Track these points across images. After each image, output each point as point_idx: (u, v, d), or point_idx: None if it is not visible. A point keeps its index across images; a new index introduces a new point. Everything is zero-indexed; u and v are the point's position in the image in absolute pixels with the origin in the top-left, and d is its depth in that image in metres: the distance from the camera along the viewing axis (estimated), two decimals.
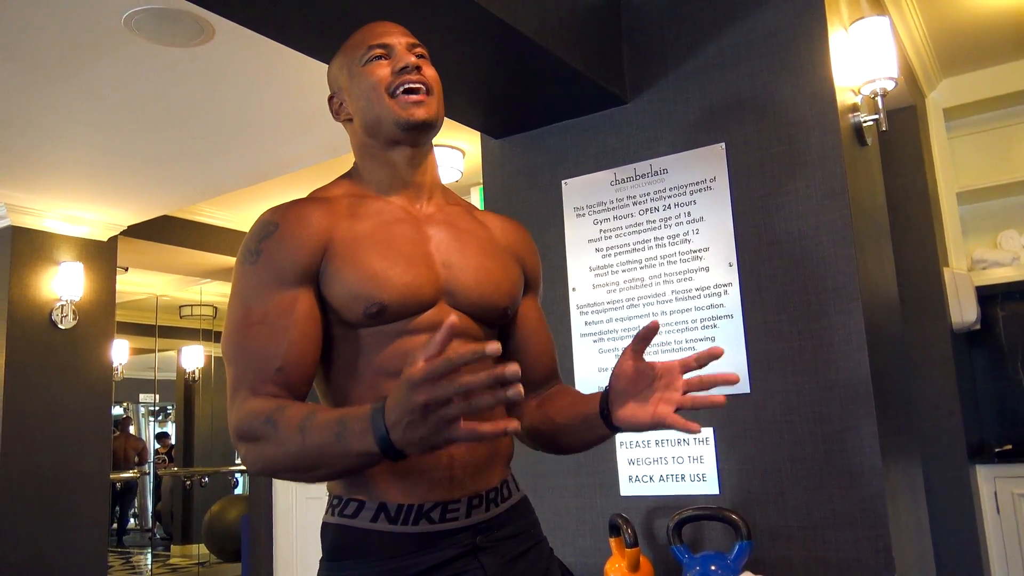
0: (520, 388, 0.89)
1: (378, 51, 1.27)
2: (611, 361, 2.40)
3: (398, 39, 1.28)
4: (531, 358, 1.38)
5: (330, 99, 1.36)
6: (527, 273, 1.41)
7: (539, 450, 1.39)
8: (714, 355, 1.14)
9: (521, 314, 1.39)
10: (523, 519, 1.30)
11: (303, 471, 1.06)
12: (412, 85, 1.24)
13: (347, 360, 1.20)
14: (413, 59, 1.25)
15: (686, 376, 1.16)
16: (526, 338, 1.39)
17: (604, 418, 1.21)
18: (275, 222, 1.19)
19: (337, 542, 1.17)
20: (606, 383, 1.23)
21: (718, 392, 1.15)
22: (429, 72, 1.28)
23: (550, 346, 1.44)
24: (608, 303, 2.44)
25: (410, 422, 0.91)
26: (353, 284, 1.16)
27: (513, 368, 0.87)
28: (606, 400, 1.21)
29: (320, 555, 1.20)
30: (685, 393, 1.15)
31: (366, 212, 1.25)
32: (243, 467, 7.81)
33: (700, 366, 1.14)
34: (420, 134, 1.26)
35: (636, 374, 1.16)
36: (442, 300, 1.23)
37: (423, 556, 1.14)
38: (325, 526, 1.20)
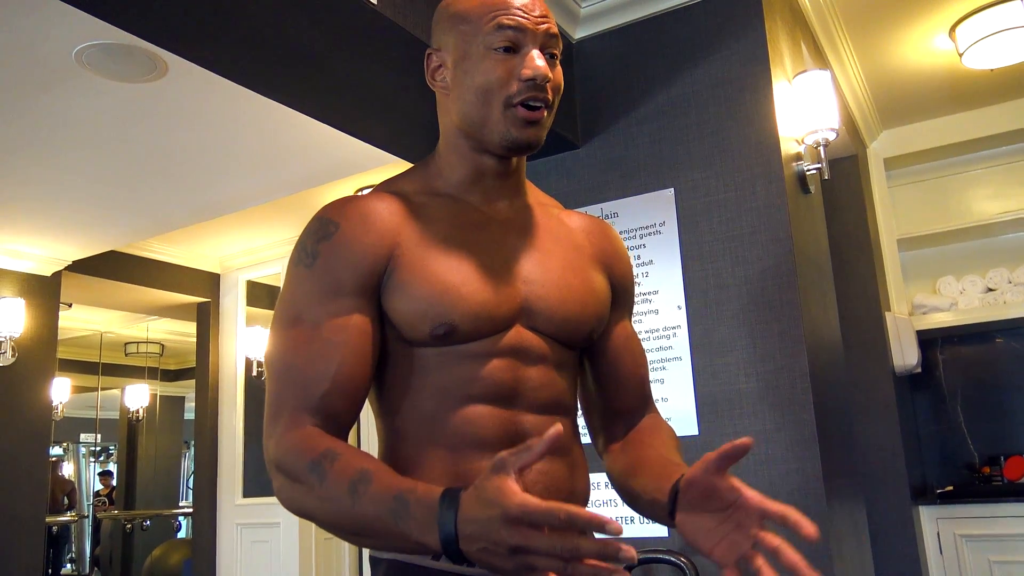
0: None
1: (509, 34, 1.05)
2: None
3: (535, 23, 1.06)
4: (617, 385, 1.21)
5: (428, 55, 1.13)
6: (615, 285, 1.22)
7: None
8: (800, 527, 0.91)
9: (607, 332, 1.20)
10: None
11: (345, 533, 0.95)
12: (535, 103, 1.05)
13: (403, 379, 1.05)
14: (545, 66, 1.05)
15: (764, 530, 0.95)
16: (612, 362, 1.21)
17: (671, 515, 1.00)
18: (335, 221, 1.04)
19: None
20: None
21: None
22: (556, 78, 1.08)
23: (641, 371, 1.24)
24: None
25: (490, 551, 0.81)
26: (420, 300, 1.02)
27: (629, 553, 0.77)
28: (675, 497, 0.99)
29: None
30: (755, 547, 0.94)
31: (439, 214, 1.09)
32: (187, 510, 7.61)
33: (783, 525, 0.92)
34: (521, 152, 1.10)
35: (710, 490, 0.94)
36: (519, 322, 1.07)
37: None
38: (376, 562, 1.05)
